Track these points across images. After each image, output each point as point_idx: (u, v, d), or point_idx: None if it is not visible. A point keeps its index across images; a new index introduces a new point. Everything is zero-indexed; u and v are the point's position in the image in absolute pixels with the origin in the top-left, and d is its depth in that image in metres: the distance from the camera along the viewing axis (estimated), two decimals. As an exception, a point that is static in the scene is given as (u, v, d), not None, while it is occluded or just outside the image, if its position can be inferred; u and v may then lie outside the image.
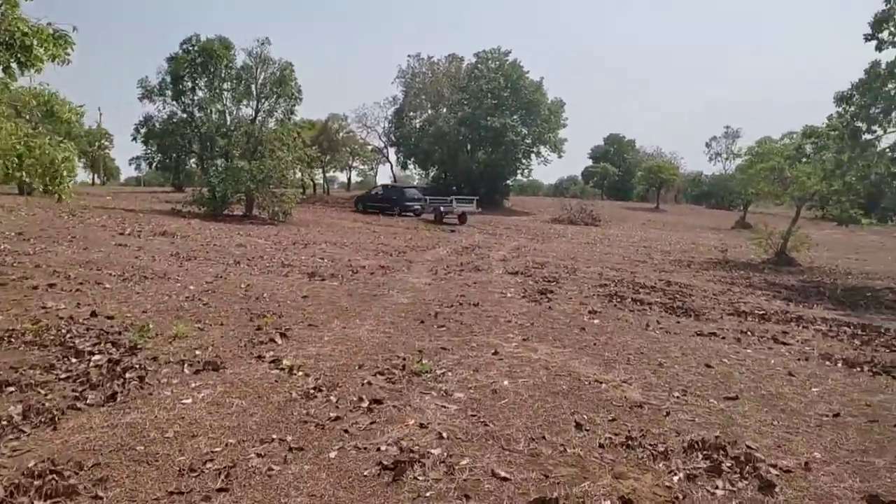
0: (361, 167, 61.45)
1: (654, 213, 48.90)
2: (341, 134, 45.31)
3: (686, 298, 10.52)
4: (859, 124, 13.51)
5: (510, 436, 3.98)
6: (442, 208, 31.59)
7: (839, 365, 6.31)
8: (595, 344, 6.57)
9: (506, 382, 5.06)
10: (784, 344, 7.25)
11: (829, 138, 14.73)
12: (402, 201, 33.89)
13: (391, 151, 50.77)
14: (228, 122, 24.60)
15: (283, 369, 5.05)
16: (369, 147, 52.86)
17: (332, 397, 4.49)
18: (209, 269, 10.02)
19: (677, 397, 4.92)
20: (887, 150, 13.61)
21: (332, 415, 4.16)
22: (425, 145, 43.60)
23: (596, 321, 7.85)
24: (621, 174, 72.18)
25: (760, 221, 40.72)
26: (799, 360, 6.49)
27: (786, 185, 18.88)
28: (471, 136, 42.50)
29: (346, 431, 3.91)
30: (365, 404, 4.38)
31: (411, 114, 47.01)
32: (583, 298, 9.69)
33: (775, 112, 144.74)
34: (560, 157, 45.76)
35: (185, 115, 23.93)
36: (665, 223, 40.36)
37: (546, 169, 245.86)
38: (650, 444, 3.91)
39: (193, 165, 25.48)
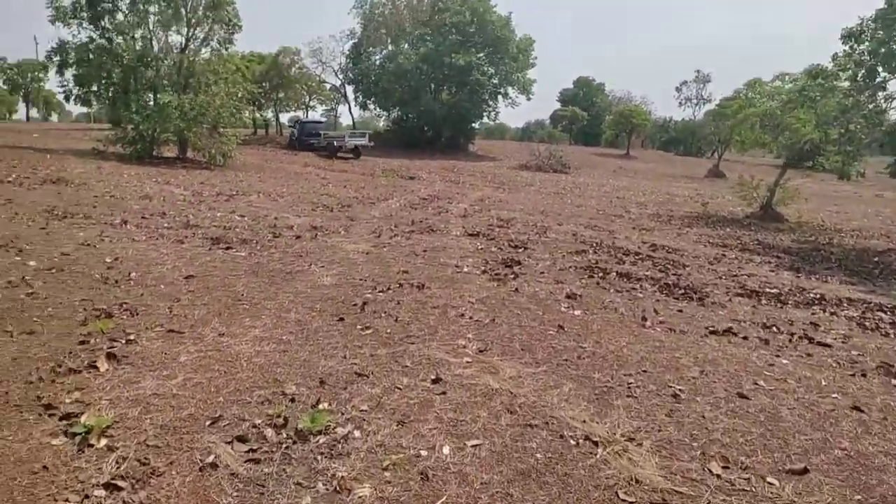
0: (322, 108, 57.85)
1: (625, 159, 47.17)
2: (293, 69, 41.69)
3: (680, 270, 8.72)
4: (875, 64, 11.60)
5: None
6: (336, 142, 32.03)
7: (912, 387, 4.57)
8: (580, 356, 4.67)
9: (446, 450, 3.14)
10: (822, 345, 5.49)
11: (837, 79, 12.83)
12: (301, 136, 35.06)
13: (349, 90, 47.42)
14: (156, 51, 21.50)
15: (73, 436, 3.02)
16: (327, 85, 49.39)
17: (130, 508, 2.50)
18: (79, 233, 7.75)
19: (718, 476, 3.08)
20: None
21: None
22: (385, 84, 40.37)
23: (577, 312, 5.96)
24: (590, 118, 70.05)
25: (736, 171, 39.53)
26: (854, 375, 4.73)
27: (777, 133, 17.12)
28: (434, 74, 39.58)
29: None
30: (184, 529, 2.40)
31: (370, 49, 43.45)
32: (557, 272, 7.80)
33: (746, 58, 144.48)
34: (529, 98, 43.37)
35: (103, 41, 20.72)
36: (636, 171, 38.67)
37: (513, 112, 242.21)
38: None
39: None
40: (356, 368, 4.12)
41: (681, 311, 6.35)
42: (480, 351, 4.66)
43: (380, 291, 6.16)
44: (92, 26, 20.73)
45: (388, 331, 4.97)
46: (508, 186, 23.75)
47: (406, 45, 41.84)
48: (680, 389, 4.14)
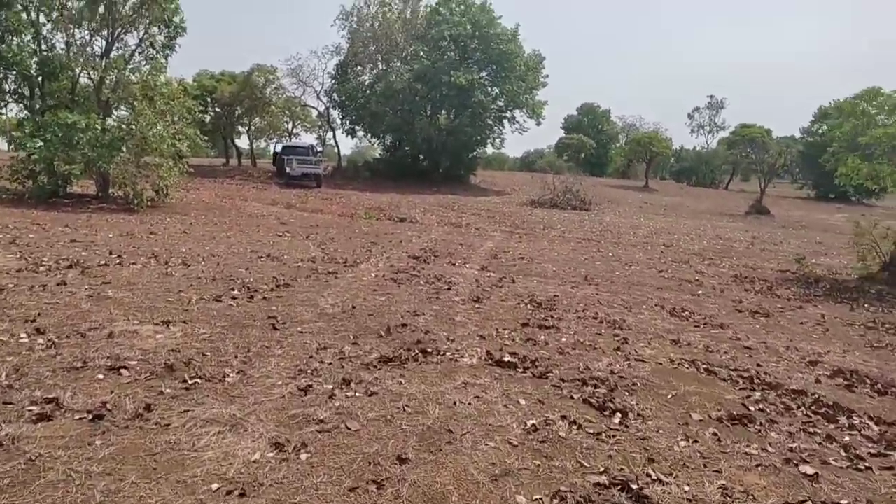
0: (312, 135, 52.44)
1: (646, 192, 42.27)
2: (269, 90, 36.75)
3: None
4: None
5: None
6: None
7: None
8: None
9: None
10: None
11: None
12: (278, 163, 33.51)
13: (335, 114, 42.14)
14: (71, 58, 16.59)
15: None
16: (314, 111, 44.44)
17: None
18: None
19: None
20: None
21: None
22: (374, 106, 35.28)
23: None
24: (596, 147, 65.50)
25: (771, 206, 34.62)
26: None
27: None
28: (430, 95, 34.61)
29: None
30: None
31: (358, 68, 38.60)
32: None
33: (756, 84, 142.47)
34: (539, 123, 38.11)
35: (-5, 43, 15.80)
36: (665, 207, 33.71)
37: (510, 140, 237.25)
38: None
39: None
40: None
41: None
42: None
43: None
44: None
45: None
46: (524, 231, 18.73)
47: (398, 63, 37.06)
48: None
